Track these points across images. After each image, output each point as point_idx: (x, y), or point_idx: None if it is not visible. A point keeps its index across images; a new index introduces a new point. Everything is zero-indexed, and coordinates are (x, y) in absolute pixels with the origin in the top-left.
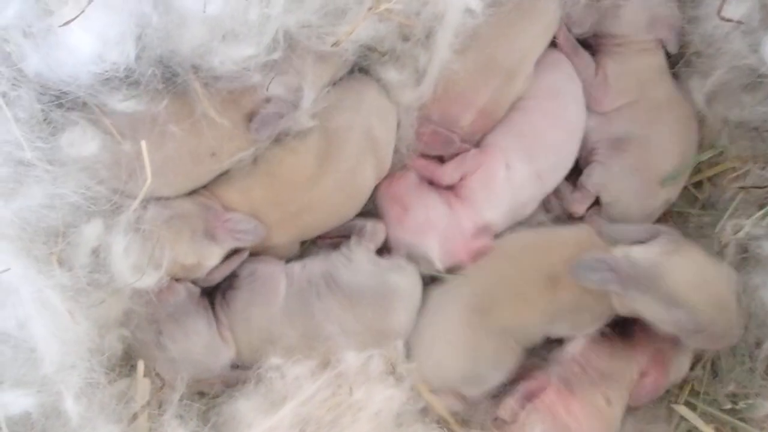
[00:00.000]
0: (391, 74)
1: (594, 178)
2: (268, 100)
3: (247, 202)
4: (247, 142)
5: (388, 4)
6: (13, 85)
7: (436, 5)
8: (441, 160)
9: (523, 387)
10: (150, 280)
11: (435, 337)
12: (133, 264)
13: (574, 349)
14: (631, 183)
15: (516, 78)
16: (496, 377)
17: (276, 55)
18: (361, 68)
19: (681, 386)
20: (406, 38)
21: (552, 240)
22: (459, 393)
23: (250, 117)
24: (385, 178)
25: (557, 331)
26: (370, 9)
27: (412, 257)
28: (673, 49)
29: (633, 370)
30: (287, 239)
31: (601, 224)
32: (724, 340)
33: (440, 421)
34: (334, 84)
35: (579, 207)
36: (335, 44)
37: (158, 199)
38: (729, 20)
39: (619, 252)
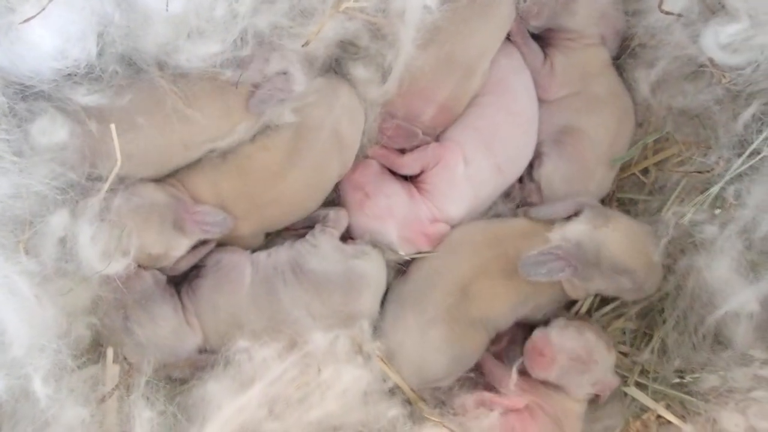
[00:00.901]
0: (359, 71)
1: (541, 170)
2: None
3: (215, 194)
4: (221, 132)
5: (349, 3)
6: None
7: (395, 2)
8: (402, 152)
9: (485, 396)
10: (117, 267)
11: (416, 339)
12: (101, 251)
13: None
14: (569, 173)
15: (474, 74)
16: (469, 365)
17: (244, 52)
18: (336, 61)
19: (631, 369)
20: (373, 36)
21: (500, 231)
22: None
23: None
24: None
25: (522, 314)
26: (332, 8)
27: (375, 243)
28: (611, 52)
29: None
30: (252, 230)
31: (527, 210)
32: (652, 289)
33: (404, 401)
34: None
35: (535, 198)
36: (305, 44)
37: (128, 186)
38: (669, 13)
39: (555, 235)
